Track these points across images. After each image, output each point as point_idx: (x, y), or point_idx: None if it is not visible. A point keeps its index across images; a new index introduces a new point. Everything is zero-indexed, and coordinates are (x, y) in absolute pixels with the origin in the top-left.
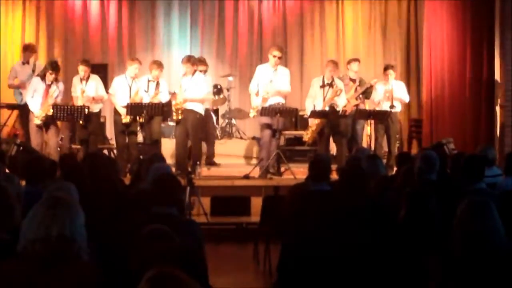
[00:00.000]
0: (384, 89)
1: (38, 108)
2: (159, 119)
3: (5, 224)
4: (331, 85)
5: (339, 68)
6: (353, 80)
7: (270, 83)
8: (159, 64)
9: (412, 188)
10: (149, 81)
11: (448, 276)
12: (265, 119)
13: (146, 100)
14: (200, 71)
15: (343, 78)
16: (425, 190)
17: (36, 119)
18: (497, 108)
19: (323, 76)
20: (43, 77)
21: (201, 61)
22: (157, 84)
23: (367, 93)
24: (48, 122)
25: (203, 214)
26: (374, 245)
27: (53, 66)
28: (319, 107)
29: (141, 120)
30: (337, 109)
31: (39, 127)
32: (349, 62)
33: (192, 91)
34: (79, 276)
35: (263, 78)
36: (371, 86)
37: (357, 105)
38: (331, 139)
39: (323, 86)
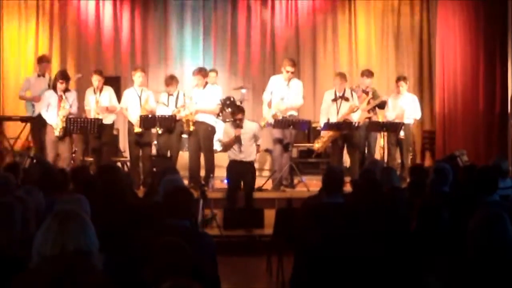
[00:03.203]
0: (397, 107)
1: (55, 121)
2: (178, 134)
3: (20, 237)
4: (343, 97)
5: (348, 80)
6: (366, 92)
7: (281, 101)
8: (171, 78)
9: (425, 200)
10: (169, 95)
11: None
12: (277, 133)
13: (164, 112)
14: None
15: (356, 89)
16: (438, 202)
17: (56, 130)
18: (510, 120)
19: (335, 89)
20: (54, 88)
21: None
22: (177, 97)
23: (380, 105)
24: (65, 134)
25: (216, 227)
26: (387, 257)
27: (62, 75)
28: (333, 121)
29: (157, 131)
30: (351, 121)
31: (58, 139)
32: (362, 75)
33: (203, 103)
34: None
35: (276, 90)
36: (384, 102)
37: (369, 118)
38: (344, 151)
39: (335, 99)
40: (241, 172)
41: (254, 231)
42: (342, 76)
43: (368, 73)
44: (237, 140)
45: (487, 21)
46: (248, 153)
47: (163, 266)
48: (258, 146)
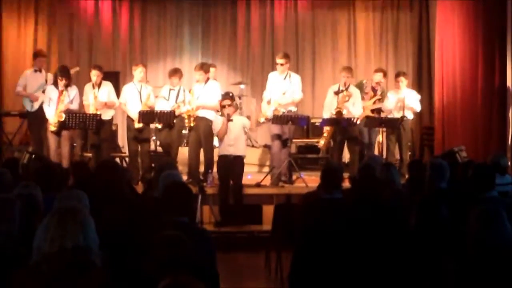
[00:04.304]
0: (397, 98)
1: (52, 115)
2: (178, 129)
3: (20, 233)
4: (346, 91)
5: (354, 75)
6: (375, 91)
7: (283, 95)
8: (175, 71)
9: (423, 196)
10: (170, 89)
11: (460, 284)
12: (275, 129)
13: (164, 107)
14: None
15: (366, 85)
16: (436, 198)
17: (51, 126)
18: (510, 116)
19: (339, 84)
20: (56, 84)
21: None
22: (178, 92)
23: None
24: (60, 130)
25: (214, 223)
26: (386, 253)
27: (62, 71)
28: (333, 114)
29: (156, 125)
30: (349, 116)
31: (54, 133)
32: (374, 72)
33: (204, 99)
34: (94, 284)
35: (274, 86)
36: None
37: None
38: (344, 147)
39: (337, 92)
40: (229, 167)
41: (252, 227)
42: (349, 70)
43: (377, 69)
44: (229, 119)
45: (487, 16)
46: (238, 146)
47: (163, 261)
48: (247, 134)
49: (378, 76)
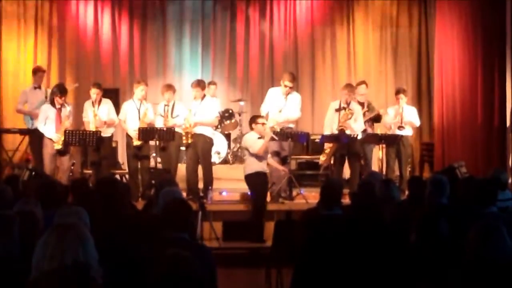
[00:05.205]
0: (395, 113)
1: (55, 133)
2: (176, 145)
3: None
4: (347, 108)
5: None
6: (361, 104)
7: (279, 113)
8: (168, 87)
9: (423, 212)
10: (165, 105)
11: None
12: (274, 146)
13: (160, 124)
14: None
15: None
16: (436, 214)
17: (56, 144)
18: (509, 135)
19: (340, 100)
20: (52, 102)
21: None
22: (173, 107)
23: (376, 119)
24: (66, 148)
25: (215, 239)
26: (386, 270)
27: (60, 89)
28: (334, 130)
29: (156, 143)
30: (347, 132)
31: (57, 151)
32: (356, 85)
33: (201, 115)
34: None
35: (274, 102)
36: (379, 115)
37: (364, 130)
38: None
39: (338, 109)
40: (264, 183)
41: (253, 243)
42: (350, 87)
43: (359, 82)
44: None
45: (486, 34)
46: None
47: (164, 277)
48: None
49: (362, 89)
